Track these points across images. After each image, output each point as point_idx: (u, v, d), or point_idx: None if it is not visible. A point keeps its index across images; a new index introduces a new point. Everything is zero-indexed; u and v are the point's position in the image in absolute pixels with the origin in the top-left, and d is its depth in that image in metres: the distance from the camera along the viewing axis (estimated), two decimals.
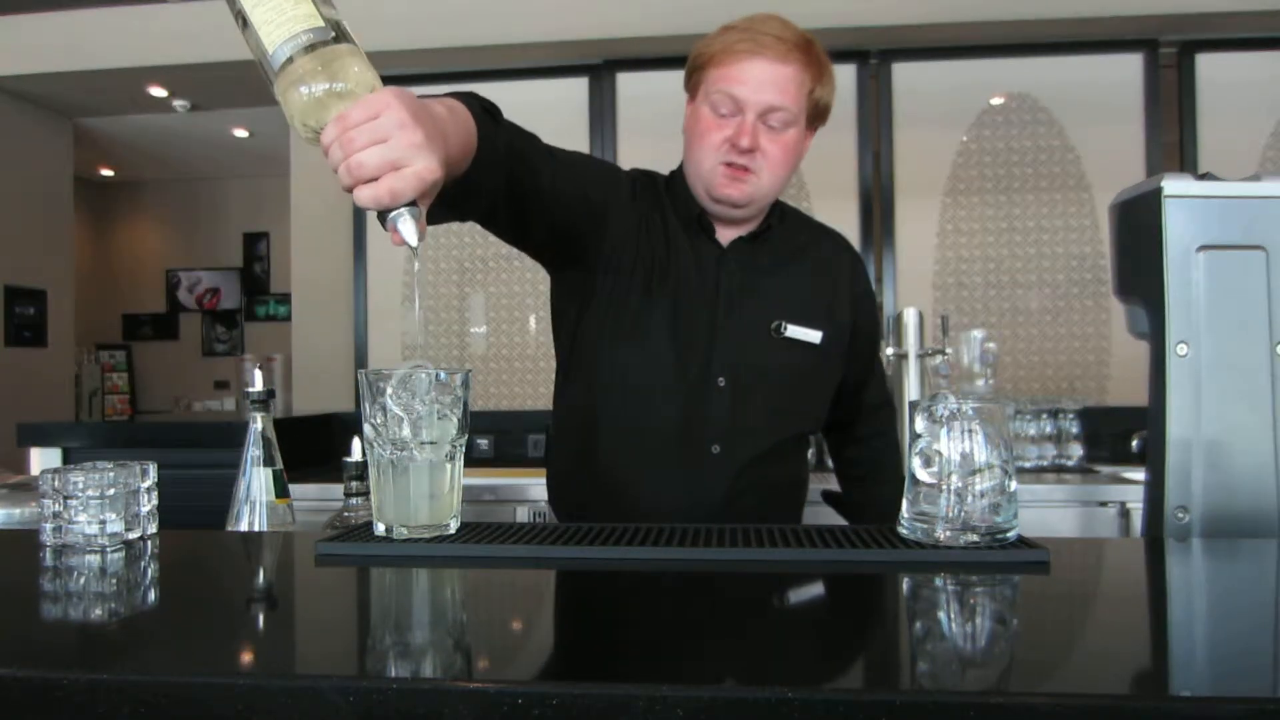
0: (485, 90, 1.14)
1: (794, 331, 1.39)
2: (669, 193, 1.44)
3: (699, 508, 1.36)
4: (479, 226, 1.26)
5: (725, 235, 1.42)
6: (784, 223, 1.47)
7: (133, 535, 0.95)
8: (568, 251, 1.38)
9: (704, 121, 1.35)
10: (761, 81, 1.30)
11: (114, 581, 0.82)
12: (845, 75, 3.37)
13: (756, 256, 1.42)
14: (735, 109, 1.32)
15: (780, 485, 1.45)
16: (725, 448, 1.36)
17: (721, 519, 1.36)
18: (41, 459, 2.73)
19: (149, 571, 0.87)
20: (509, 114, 1.17)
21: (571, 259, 1.39)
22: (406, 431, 0.91)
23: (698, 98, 1.38)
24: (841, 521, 1.66)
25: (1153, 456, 1.03)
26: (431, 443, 0.92)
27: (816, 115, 1.39)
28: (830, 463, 1.69)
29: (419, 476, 0.92)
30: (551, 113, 3.45)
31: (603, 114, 3.43)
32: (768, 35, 1.31)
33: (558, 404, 1.51)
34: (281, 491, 1.30)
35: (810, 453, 2.69)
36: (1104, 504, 2.38)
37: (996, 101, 3.33)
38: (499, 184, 1.16)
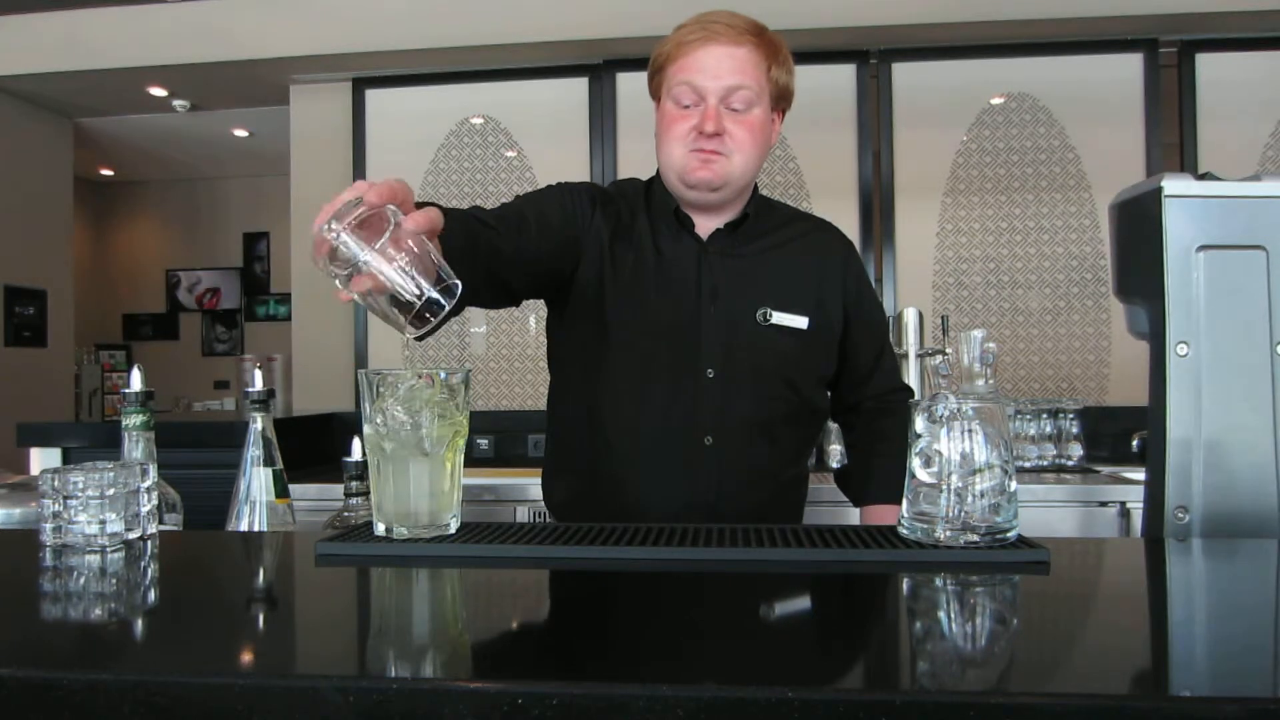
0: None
1: (780, 318, 1.40)
2: (648, 195, 1.47)
3: (695, 501, 1.36)
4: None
5: (705, 227, 1.44)
6: (768, 212, 1.49)
7: (133, 535, 0.95)
8: (552, 288, 1.44)
9: (669, 116, 1.39)
10: (718, 66, 1.34)
11: (114, 581, 0.82)
12: (845, 75, 3.37)
13: (737, 246, 1.44)
14: (697, 98, 1.35)
15: (777, 479, 1.44)
16: (718, 439, 1.37)
17: (718, 513, 1.36)
18: (41, 459, 2.73)
19: (149, 571, 0.87)
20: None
21: (557, 290, 1.44)
22: (407, 432, 0.91)
23: (662, 97, 1.42)
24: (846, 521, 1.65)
25: (1153, 456, 1.03)
26: (431, 442, 0.92)
27: (780, 97, 1.42)
28: (831, 464, 1.69)
29: (419, 476, 0.92)
30: (551, 113, 3.45)
31: (603, 114, 3.43)
32: (718, 24, 1.36)
33: (552, 407, 1.53)
34: (281, 491, 1.30)
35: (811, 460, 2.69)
36: (1104, 504, 2.37)
37: (996, 101, 3.33)
38: (475, 280, 1.17)
